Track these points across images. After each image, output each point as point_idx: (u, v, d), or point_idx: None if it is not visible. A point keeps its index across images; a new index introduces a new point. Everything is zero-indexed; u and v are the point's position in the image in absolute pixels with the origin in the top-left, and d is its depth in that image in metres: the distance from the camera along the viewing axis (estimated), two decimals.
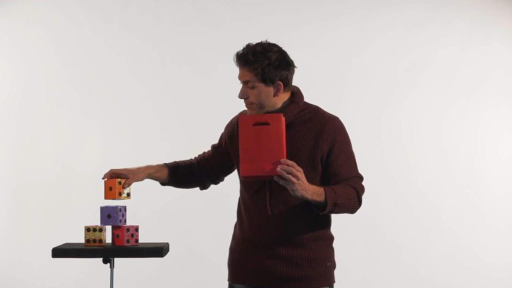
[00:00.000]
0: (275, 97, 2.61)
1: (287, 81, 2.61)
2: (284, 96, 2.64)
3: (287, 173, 2.39)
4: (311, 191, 2.46)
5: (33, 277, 4.93)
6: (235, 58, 2.61)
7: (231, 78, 5.04)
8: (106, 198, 3.12)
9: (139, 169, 2.81)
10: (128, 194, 2.85)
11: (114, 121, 5.05)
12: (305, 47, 5.00)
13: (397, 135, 5.08)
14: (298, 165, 2.45)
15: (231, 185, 4.49)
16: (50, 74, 5.07)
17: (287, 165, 2.39)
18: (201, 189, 2.98)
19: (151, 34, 5.08)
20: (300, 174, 2.41)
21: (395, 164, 5.06)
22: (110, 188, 3.10)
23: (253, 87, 2.58)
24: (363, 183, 2.66)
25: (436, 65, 5.11)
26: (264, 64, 2.55)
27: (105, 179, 2.79)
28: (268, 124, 2.44)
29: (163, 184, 2.92)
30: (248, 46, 2.61)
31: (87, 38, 5.07)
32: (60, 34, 5.07)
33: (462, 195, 5.05)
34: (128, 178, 2.77)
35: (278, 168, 2.39)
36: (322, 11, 5.11)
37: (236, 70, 5.45)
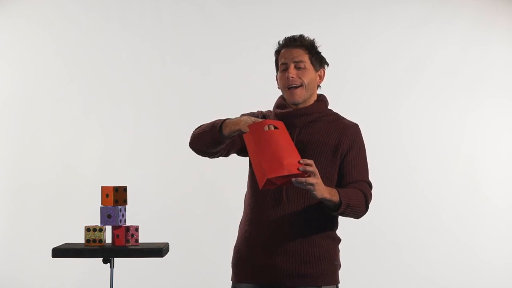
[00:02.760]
0: (315, 87, 2.72)
1: (325, 73, 2.76)
2: (315, 96, 2.74)
3: (307, 173, 2.39)
4: (327, 190, 2.48)
5: (33, 277, 4.93)
6: (284, 40, 2.70)
7: (231, 78, 5.09)
8: (103, 204, 3.14)
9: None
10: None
11: (114, 121, 5.05)
12: None
13: (397, 135, 5.07)
14: (323, 156, 2.60)
15: (231, 185, 4.51)
16: (50, 74, 5.06)
17: (306, 164, 2.40)
18: (220, 156, 2.78)
19: (151, 34, 5.08)
20: (317, 173, 2.42)
21: (395, 164, 5.05)
22: (107, 195, 3.12)
23: (304, 68, 2.67)
24: (372, 191, 2.69)
25: (436, 65, 5.11)
26: (316, 49, 2.73)
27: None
28: (277, 128, 2.46)
29: (224, 140, 2.66)
30: (295, 35, 2.71)
31: (87, 38, 5.07)
32: (60, 34, 5.07)
33: (462, 195, 5.05)
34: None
35: (301, 167, 2.38)
36: (322, 11, 5.11)
37: (235, 70, 5.41)
